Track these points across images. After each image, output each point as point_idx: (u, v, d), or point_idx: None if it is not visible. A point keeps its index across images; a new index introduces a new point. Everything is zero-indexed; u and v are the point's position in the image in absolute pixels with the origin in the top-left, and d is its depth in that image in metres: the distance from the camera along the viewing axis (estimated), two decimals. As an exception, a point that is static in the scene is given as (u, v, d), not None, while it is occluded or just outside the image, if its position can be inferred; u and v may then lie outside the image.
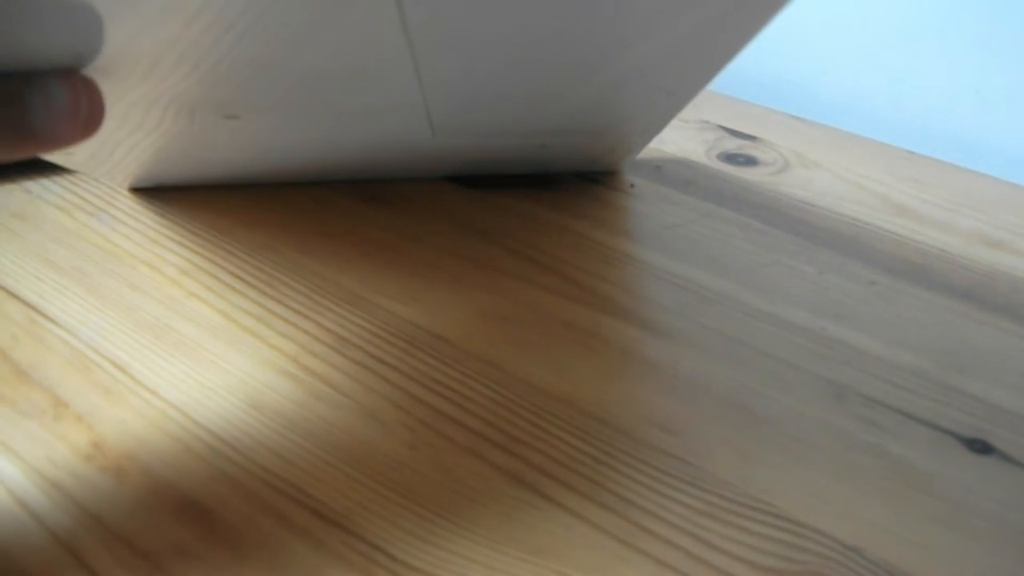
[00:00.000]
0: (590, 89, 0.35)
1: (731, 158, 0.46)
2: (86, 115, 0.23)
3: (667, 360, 0.31)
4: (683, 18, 0.30)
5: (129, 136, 0.32)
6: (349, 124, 0.35)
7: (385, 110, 0.34)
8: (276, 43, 0.28)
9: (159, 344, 0.30)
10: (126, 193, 0.38)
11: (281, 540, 0.23)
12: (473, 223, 0.38)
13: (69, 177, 0.39)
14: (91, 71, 0.23)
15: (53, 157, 0.33)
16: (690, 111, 0.41)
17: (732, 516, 0.25)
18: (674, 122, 0.43)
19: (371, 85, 0.32)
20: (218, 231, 0.36)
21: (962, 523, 0.26)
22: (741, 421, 0.29)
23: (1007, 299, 0.36)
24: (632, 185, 0.43)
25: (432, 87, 0.32)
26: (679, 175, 0.44)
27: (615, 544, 0.24)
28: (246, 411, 0.27)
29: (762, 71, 0.56)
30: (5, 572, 0.22)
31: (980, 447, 0.28)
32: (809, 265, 0.37)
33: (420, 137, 0.37)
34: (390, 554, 0.23)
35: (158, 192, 0.39)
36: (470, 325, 0.32)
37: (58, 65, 0.23)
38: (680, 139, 0.48)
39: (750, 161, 0.46)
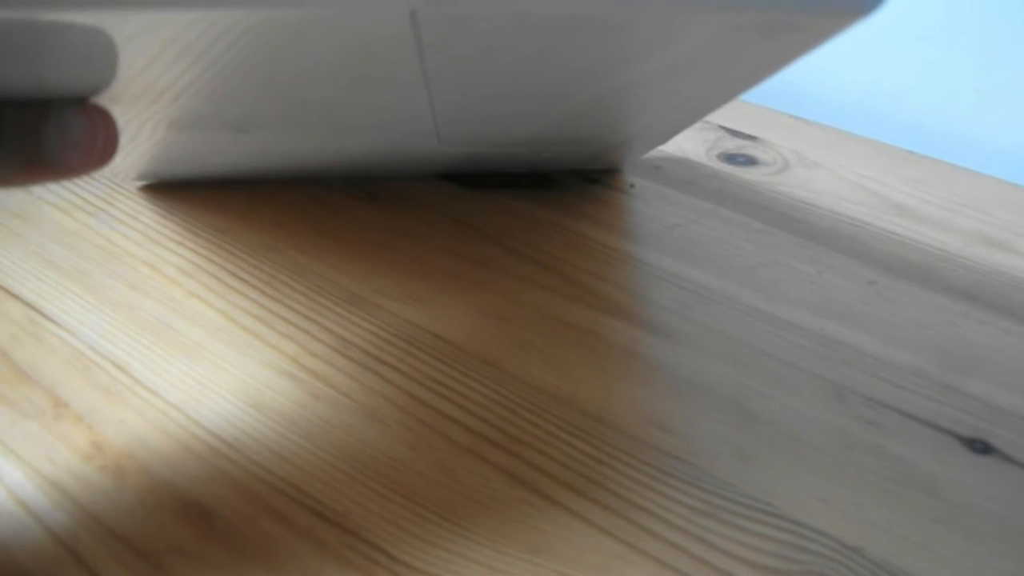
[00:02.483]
0: (594, 102, 0.35)
1: (731, 158, 0.46)
2: (102, 145, 0.23)
3: (667, 360, 0.31)
4: (690, 57, 0.30)
5: (133, 142, 0.32)
6: (357, 135, 0.35)
7: (395, 124, 0.34)
8: (292, 77, 0.28)
9: (159, 344, 0.30)
10: (126, 193, 0.38)
11: (281, 540, 0.23)
12: (473, 223, 0.38)
13: (69, 177, 0.39)
14: (103, 98, 0.23)
15: None
16: (690, 111, 0.41)
17: (732, 516, 0.25)
18: (674, 122, 0.43)
19: (384, 109, 0.32)
20: (218, 231, 0.36)
21: (962, 523, 0.26)
22: (741, 421, 0.29)
23: (1007, 299, 0.36)
24: (632, 185, 0.43)
25: (442, 108, 0.32)
26: (679, 175, 0.44)
27: (615, 544, 0.24)
28: (246, 411, 0.27)
29: (762, 71, 0.56)
30: (5, 572, 0.22)
31: (980, 447, 0.28)
32: (809, 265, 0.37)
33: (425, 144, 0.37)
34: (390, 554, 0.23)
35: (158, 191, 0.39)
36: (470, 325, 0.32)
37: (74, 95, 0.23)
38: (680, 139, 0.48)
39: (750, 161, 0.46)
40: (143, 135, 0.31)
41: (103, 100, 0.23)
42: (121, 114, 0.24)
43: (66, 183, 0.38)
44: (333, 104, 0.31)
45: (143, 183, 0.39)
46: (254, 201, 0.38)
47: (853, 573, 0.24)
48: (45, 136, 0.22)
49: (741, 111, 0.52)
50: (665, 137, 0.42)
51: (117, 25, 0.20)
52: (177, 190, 0.39)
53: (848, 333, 0.33)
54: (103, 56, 0.22)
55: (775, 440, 0.28)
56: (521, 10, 0.21)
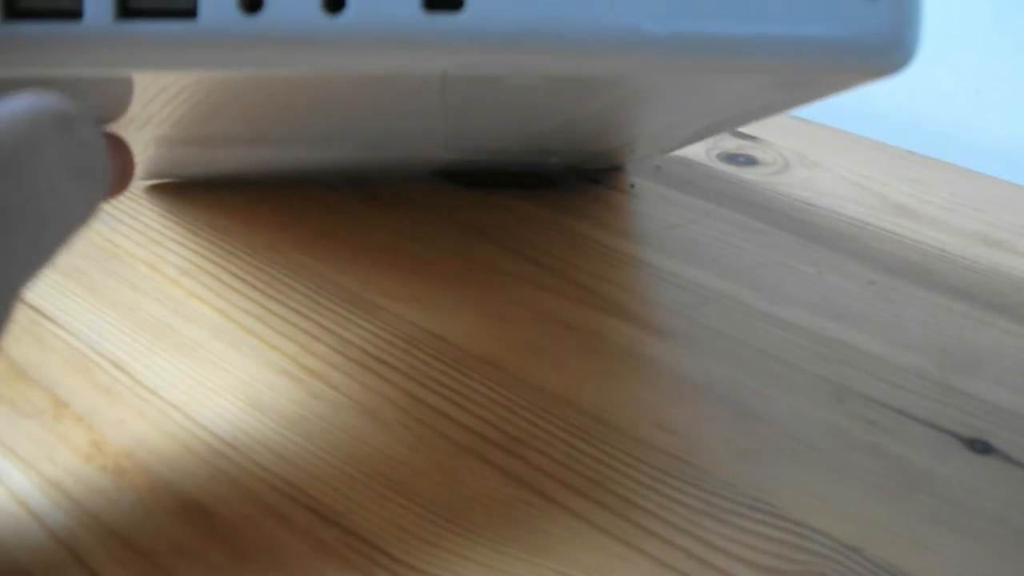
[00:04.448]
0: (609, 127, 0.35)
1: (731, 158, 0.46)
2: (118, 176, 0.23)
3: (667, 360, 0.31)
4: (704, 98, 0.30)
5: (143, 154, 0.32)
6: (367, 149, 0.36)
7: (404, 141, 0.35)
8: (312, 108, 0.28)
9: (159, 344, 0.30)
10: (126, 193, 0.38)
11: (281, 540, 0.23)
12: (473, 223, 0.38)
13: (69, 177, 0.39)
14: (117, 124, 0.23)
15: None
16: (690, 111, 0.41)
17: (732, 516, 0.25)
18: (674, 122, 0.43)
19: (398, 131, 0.32)
20: (218, 231, 0.36)
21: (962, 523, 0.26)
22: (741, 421, 0.29)
23: (1007, 299, 0.36)
24: (632, 185, 0.43)
25: (453, 128, 0.32)
26: (679, 175, 0.44)
27: (615, 544, 0.24)
28: (246, 411, 0.27)
29: (762, 71, 0.56)
30: (5, 572, 0.22)
31: (980, 447, 0.28)
32: (809, 265, 0.37)
33: (430, 152, 0.37)
34: (390, 554, 0.23)
35: (158, 191, 0.39)
36: (470, 325, 0.32)
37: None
38: (680, 139, 0.48)
39: (750, 161, 0.46)
40: (144, 150, 0.31)
41: (117, 125, 0.23)
42: (134, 140, 0.24)
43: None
44: (349, 129, 0.31)
45: (146, 183, 0.39)
46: (254, 201, 0.38)
47: (853, 573, 0.24)
48: None
49: (741, 111, 0.52)
50: (672, 148, 0.42)
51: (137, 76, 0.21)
52: (177, 190, 0.39)
53: (848, 333, 0.33)
54: (118, 88, 0.22)
55: (775, 440, 0.28)
56: (548, 73, 0.21)
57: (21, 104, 0.17)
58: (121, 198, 0.38)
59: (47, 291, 0.32)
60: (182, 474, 0.25)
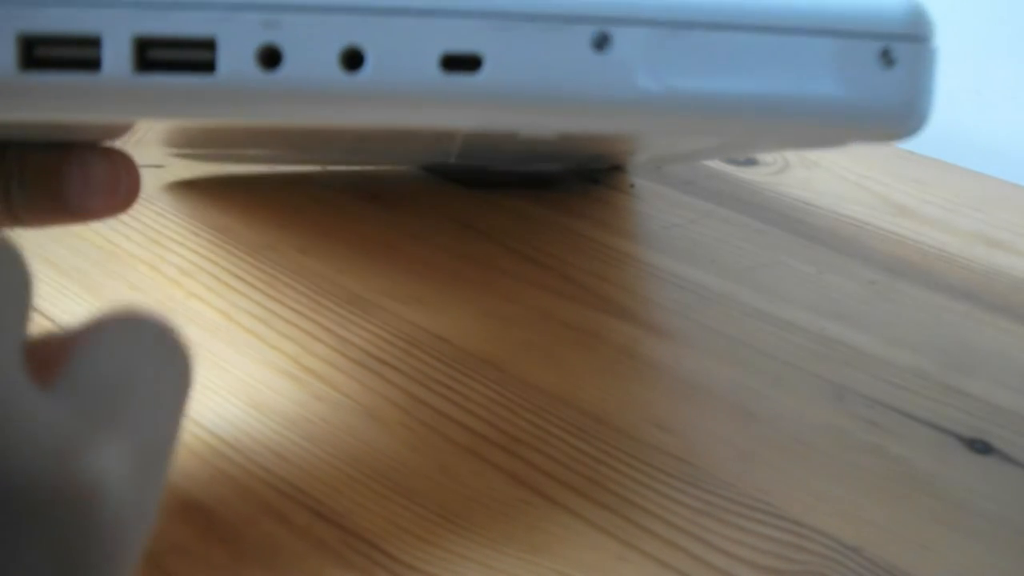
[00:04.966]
0: (610, 148, 0.35)
1: (731, 158, 0.46)
2: (124, 192, 0.23)
3: (667, 360, 0.31)
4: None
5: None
6: (377, 160, 0.36)
7: (416, 157, 0.35)
8: (329, 138, 0.28)
9: (159, 344, 0.30)
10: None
11: (281, 540, 0.23)
12: (473, 223, 0.38)
13: (69, 177, 0.39)
14: (126, 141, 0.24)
15: None
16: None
17: (732, 516, 0.25)
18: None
19: (411, 152, 0.32)
20: (218, 231, 0.36)
21: (962, 523, 0.26)
22: (741, 421, 0.29)
23: (1007, 299, 0.36)
24: (632, 185, 0.43)
25: (463, 147, 0.32)
26: (679, 175, 0.44)
27: (615, 544, 0.24)
28: (246, 411, 0.27)
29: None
30: (5, 572, 0.22)
31: (980, 447, 0.28)
32: (809, 265, 0.37)
33: (439, 159, 0.37)
34: (390, 554, 0.23)
35: (158, 191, 0.39)
36: (470, 325, 0.32)
37: (97, 139, 0.23)
38: (680, 139, 0.48)
39: (750, 161, 0.46)
40: (147, 156, 0.31)
41: (126, 144, 0.23)
42: (141, 157, 0.24)
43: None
44: (355, 146, 0.31)
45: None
46: (254, 201, 0.38)
47: (853, 573, 0.24)
48: (68, 180, 0.22)
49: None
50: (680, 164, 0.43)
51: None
52: (177, 189, 0.39)
53: (848, 333, 0.33)
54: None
55: (775, 440, 0.28)
56: (563, 131, 0.21)
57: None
58: (121, 198, 0.38)
59: (47, 291, 0.32)
60: (182, 474, 0.25)
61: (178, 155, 0.38)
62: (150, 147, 0.34)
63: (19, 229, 0.23)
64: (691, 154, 0.34)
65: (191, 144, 0.31)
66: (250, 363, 0.29)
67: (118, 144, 0.23)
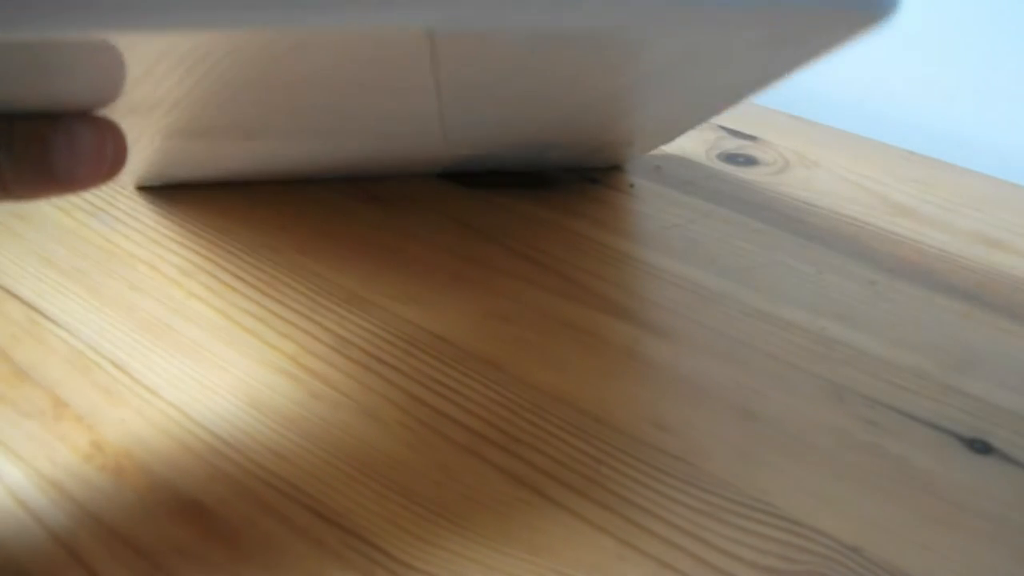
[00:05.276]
0: (601, 110, 0.35)
1: (731, 158, 0.46)
2: (111, 159, 0.23)
3: (667, 360, 0.31)
4: (703, 65, 0.30)
5: (139, 150, 0.32)
6: (364, 144, 0.35)
7: (403, 131, 0.34)
8: (302, 85, 0.27)
9: (159, 344, 0.30)
10: (126, 193, 0.38)
11: (281, 540, 0.23)
12: (473, 223, 0.38)
13: (69, 177, 0.39)
14: (112, 110, 0.23)
15: None
16: (690, 111, 0.41)
17: (732, 516, 0.25)
18: (674, 122, 0.43)
19: (395, 117, 0.32)
20: (218, 231, 0.36)
21: (962, 523, 0.26)
22: (741, 421, 0.29)
23: (1007, 299, 0.36)
24: (632, 185, 0.43)
25: (451, 115, 0.32)
26: (679, 175, 0.44)
27: (615, 544, 0.24)
28: (246, 411, 0.27)
29: (762, 71, 0.56)
30: (5, 572, 0.22)
31: (980, 447, 0.28)
32: (809, 265, 0.37)
33: (431, 146, 0.37)
34: (390, 554, 0.23)
35: (158, 192, 0.39)
36: (470, 325, 0.32)
37: (83, 108, 0.23)
38: (680, 139, 0.48)
39: (750, 161, 0.46)
40: (150, 144, 0.31)
41: (112, 112, 0.23)
42: (130, 127, 0.24)
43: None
44: (343, 113, 0.31)
45: (144, 184, 0.39)
46: (254, 201, 0.38)
47: (853, 573, 0.24)
48: (54, 149, 0.22)
49: (741, 111, 0.52)
50: (670, 137, 0.42)
51: (123, 42, 0.20)
52: (177, 190, 0.39)
53: (848, 333, 0.33)
54: (112, 71, 0.22)
55: (775, 440, 0.28)
56: (534, 27, 0.21)
57: None
58: (121, 198, 0.38)
59: (47, 291, 0.32)
60: (182, 474, 0.25)
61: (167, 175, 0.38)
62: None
63: (8, 202, 0.23)
64: (681, 106, 0.34)
65: (191, 132, 0.31)
66: (249, 363, 0.29)
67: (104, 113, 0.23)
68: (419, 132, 0.35)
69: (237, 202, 0.38)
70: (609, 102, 0.33)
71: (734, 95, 0.33)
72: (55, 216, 0.36)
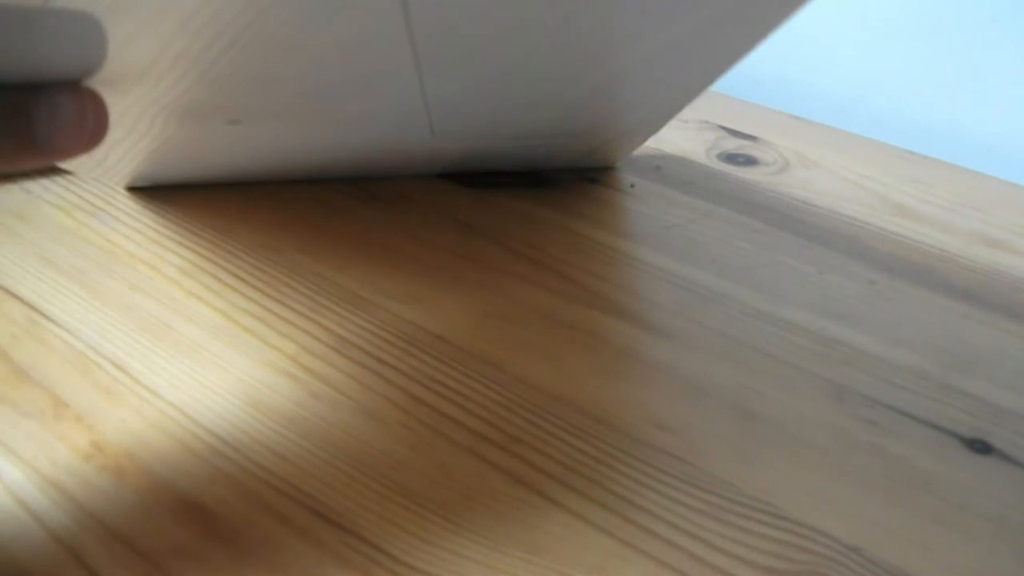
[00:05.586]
0: (587, 90, 0.35)
1: (731, 158, 0.46)
2: (92, 127, 0.23)
3: (667, 360, 0.31)
4: (681, 20, 0.30)
5: (126, 139, 0.32)
6: (351, 128, 0.35)
7: (387, 115, 0.34)
8: (277, 50, 0.28)
9: (159, 344, 0.30)
10: (126, 193, 0.38)
11: (281, 540, 0.23)
12: (473, 223, 0.38)
13: (69, 177, 0.39)
14: (93, 82, 0.24)
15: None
16: (690, 111, 0.41)
17: (732, 516, 0.25)
18: (674, 122, 0.43)
19: (375, 93, 0.32)
20: (218, 231, 0.36)
21: (962, 523, 0.26)
22: (741, 421, 0.29)
23: (1007, 299, 0.36)
24: (632, 185, 0.43)
25: (434, 92, 0.32)
26: (679, 175, 0.44)
27: (615, 544, 0.24)
28: (246, 411, 0.27)
29: (762, 71, 0.56)
30: (5, 572, 0.22)
31: (980, 447, 0.28)
32: (809, 265, 0.37)
33: (420, 138, 0.37)
34: (390, 554, 0.23)
35: (158, 192, 0.39)
36: (470, 325, 0.32)
37: (65, 77, 0.23)
38: (680, 139, 0.48)
39: (750, 161, 0.46)
40: (135, 130, 0.31)
41: (95, 84, 0.23)
42: (113, 104, 0.24)
43: (66, 183, 0.38)
44: (322, 86, 0.31)
45: (137, 185, 0.39)
46: (254, 201, 0.38)
47: (853, 573, 0.24)
48: (35, 118, 0.22)
49: (741, 111, 0.52)
50: (654, 126, 0.42)
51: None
52: (177, 190, 0.39)
53: (848, 333, 0.33)
54: (91, 35, 0.22)
55: (775, 440, 0.28)
56: None
57: None
58: (121, 198, 0.38)
59: (47, 291, 0.32)
60: (182, 474, 0.25)
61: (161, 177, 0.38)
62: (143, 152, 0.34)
63: None
64: (668, 76, 0.34)
65: (184, 110, 0.31)
66: (250, 363, 0.29)
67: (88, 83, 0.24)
68: (405, 121, 0.35)
69: (237, 202, 0.38)
70: (582, 77, 0.33)
71: (711, 63, 0.33)
72: (55, 216, 0.36)
